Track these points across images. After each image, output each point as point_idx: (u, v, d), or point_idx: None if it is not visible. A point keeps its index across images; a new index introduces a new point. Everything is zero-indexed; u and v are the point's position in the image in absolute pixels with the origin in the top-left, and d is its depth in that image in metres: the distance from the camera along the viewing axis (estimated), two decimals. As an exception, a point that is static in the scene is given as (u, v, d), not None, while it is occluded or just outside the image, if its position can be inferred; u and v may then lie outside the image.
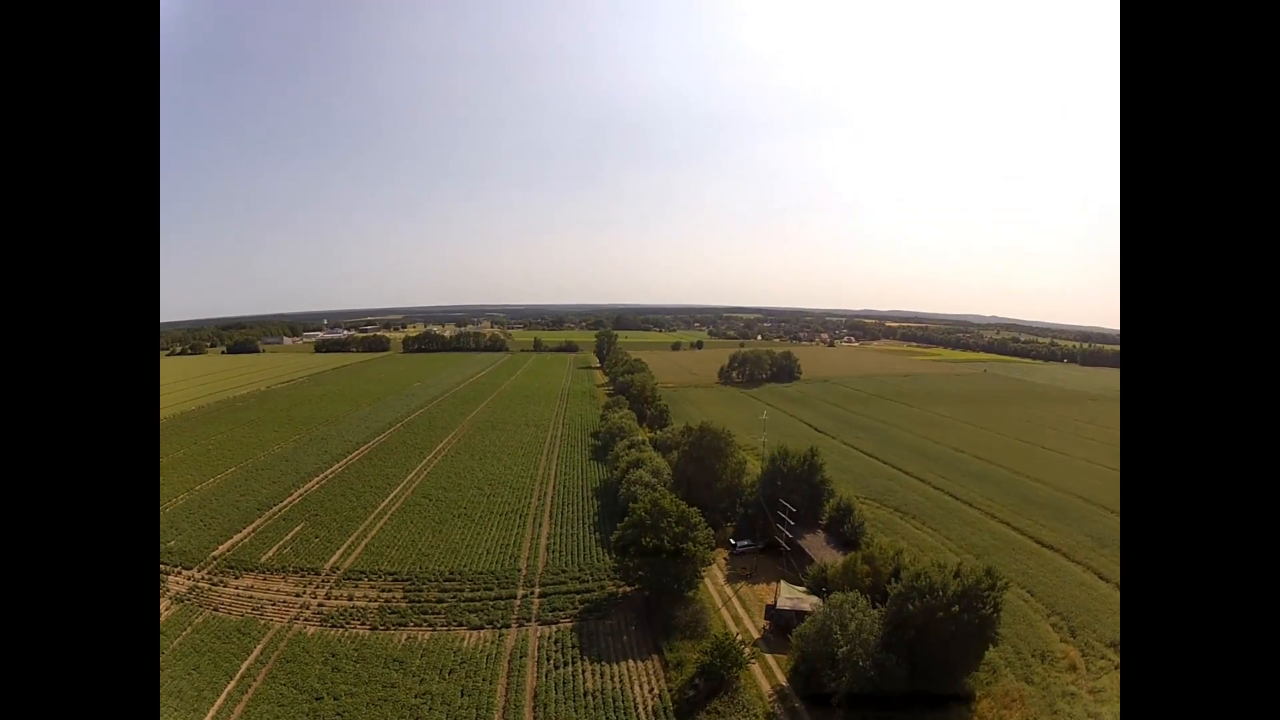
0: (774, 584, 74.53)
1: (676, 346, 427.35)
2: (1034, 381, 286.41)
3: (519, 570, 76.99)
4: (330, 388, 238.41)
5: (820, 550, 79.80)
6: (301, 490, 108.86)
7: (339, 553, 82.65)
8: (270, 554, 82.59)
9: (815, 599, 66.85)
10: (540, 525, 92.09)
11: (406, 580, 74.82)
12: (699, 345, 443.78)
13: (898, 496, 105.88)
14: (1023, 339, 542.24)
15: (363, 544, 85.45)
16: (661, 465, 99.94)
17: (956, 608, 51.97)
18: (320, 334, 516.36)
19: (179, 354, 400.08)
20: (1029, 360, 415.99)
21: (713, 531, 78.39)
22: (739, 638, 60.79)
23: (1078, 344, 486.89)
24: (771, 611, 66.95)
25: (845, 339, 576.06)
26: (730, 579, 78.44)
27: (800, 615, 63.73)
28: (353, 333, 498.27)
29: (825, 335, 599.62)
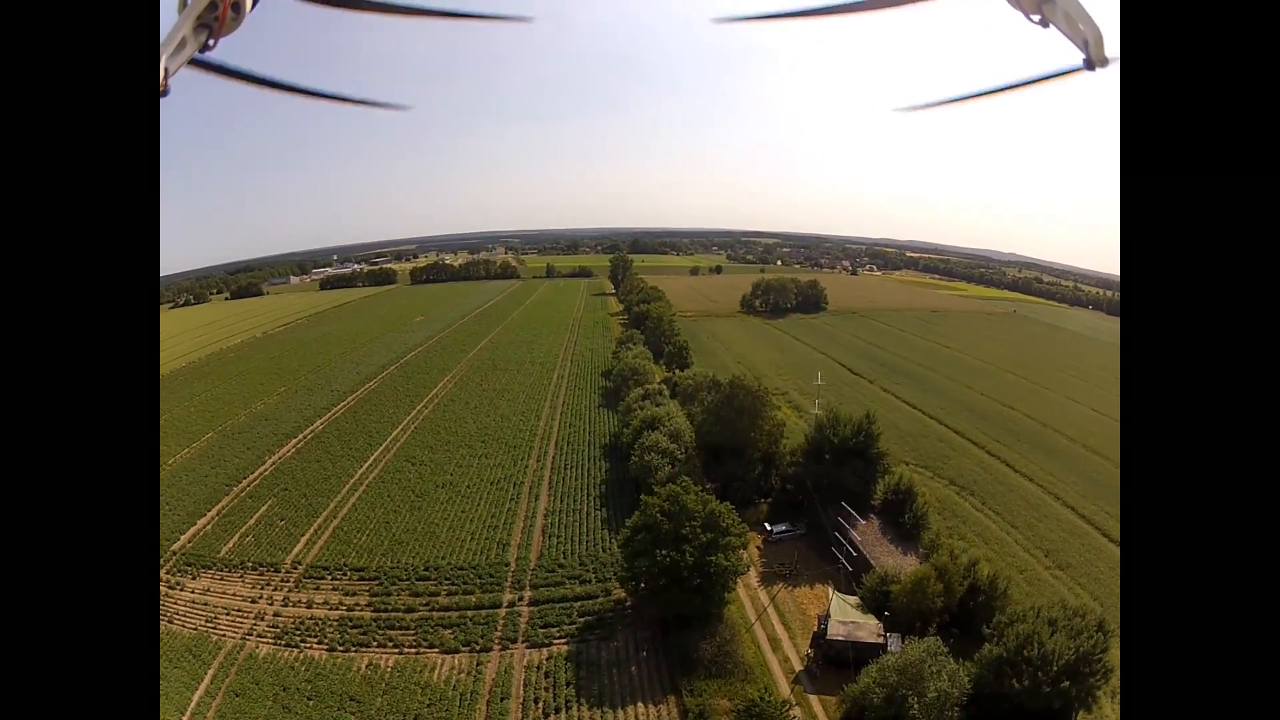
0: (819, 588, 61.28)
1: (695, 271, 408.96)
2: (1067, 329, 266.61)
3: (507, 565, 63.96)
4: (328, 329, 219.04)
5: (875, 545, 65.84)
6: (276, 457, 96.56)
7: (303, 541, 70.89)
8: (231, 544, 71.44)
9: (873, 622, 53.34)
10: (537, 498, 78.76)
11: (374, 579, 62.42)
12: (718, 270, 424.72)
13: (952, 465, 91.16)
14: (1045, 280, 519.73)
15: (331, 527, 73.40)
16: (682, 425, 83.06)
17: (1067, 683, 40.90)
18: (328, 270, 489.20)
19: (182, 305, 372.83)
20: (1054, 303, 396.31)
21: (740, 518, 62.05)
22: (782, 699, 46.63)
23: (1103, 291, 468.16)
24: (820, 640, 53.08)
25: (867, 267, 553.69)
26: (765, 579, 64.29)
27: (857, 648, 50.42)
28: (360, 267, 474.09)
29: (847, 263, 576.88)
